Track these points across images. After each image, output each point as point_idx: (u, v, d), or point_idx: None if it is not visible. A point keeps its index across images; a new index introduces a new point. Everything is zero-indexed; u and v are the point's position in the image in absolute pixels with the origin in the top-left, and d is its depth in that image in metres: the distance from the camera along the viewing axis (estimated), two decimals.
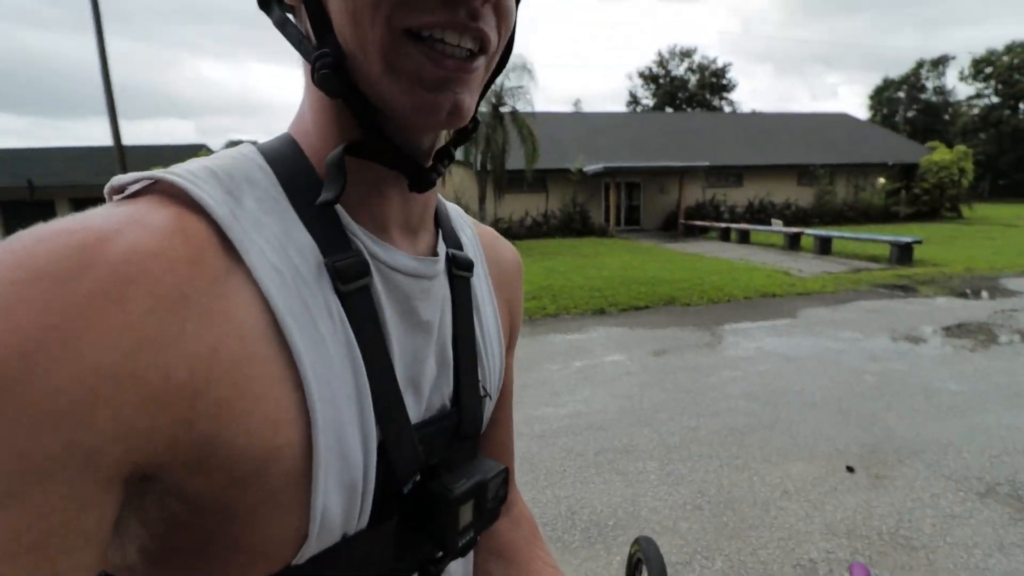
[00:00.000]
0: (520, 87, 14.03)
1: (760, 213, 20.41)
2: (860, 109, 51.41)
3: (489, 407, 0.52)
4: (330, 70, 0.34)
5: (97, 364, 0.25)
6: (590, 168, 18.51)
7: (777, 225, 15.18)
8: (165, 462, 0.28)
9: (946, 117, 45.00)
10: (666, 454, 3.09)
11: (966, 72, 44.05)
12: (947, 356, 4.80)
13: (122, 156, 12.01)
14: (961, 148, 21.60)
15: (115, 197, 0.34)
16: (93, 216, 0.29)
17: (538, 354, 5.09)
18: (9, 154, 22.61)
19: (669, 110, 39.43)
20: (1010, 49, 41.60)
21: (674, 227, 19.50)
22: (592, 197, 20.02)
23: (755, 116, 31.31)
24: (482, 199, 14.97)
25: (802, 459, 3.00)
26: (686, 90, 43.46)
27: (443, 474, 0.42)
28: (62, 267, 0.25)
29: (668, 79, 43.59)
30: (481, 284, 0.52)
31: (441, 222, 0.49)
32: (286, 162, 0.38)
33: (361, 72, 0.35)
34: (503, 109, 14.28)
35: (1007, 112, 40.49)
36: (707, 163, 19.35)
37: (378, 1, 0.32)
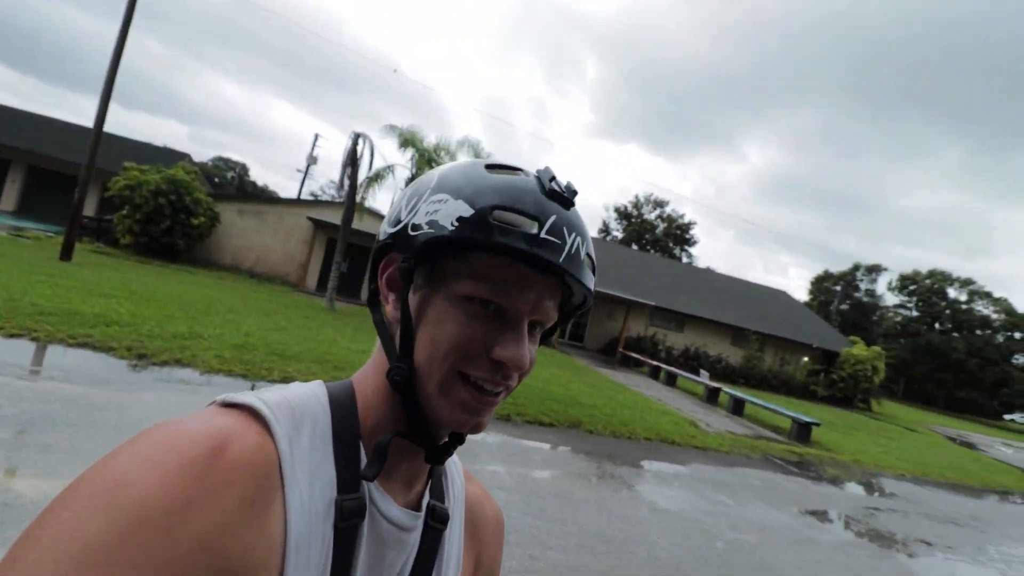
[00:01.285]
0: None
1: (694, 360, 21.45)
2: (801, 291, 56.65)
3: None
4: (403, 377, 0.48)
5: (206, 535, 0.35)
6: None
7: (704, 376, 15.94)
8: None
9: (874, 318, 49.89)
10: None
11: (893, 284, 49.90)
12: (800, 539, 5.01)
13: (98, 138, 11.90)
14: (876, 349, 23.81)
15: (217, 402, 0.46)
16: (213, 423, 0.40)
17: None
18: None
19: (635, 247, 42.42)
20: (932, 274, 47.72)
21: (614, 353, 20.16)
22: None
23: (707, 272, 33.94)
24: None
25: None
26: (653, 234, 47.31)
27: None
28: (201, 462, 0.37)
29: (639, 220, 47.49)
30: (453, 537, 0.58)
31: (433, 472, 0.57)
32: (342, 407, 0.49)
33: (422, 386, 0.48)
34: None
35: (924, 327, 45.36)
36: (652, 303, 20.55)
37: (448, 354, 0.46)
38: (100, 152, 12.20)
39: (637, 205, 48.23)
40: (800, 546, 4.78)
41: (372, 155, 13.86)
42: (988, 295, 45.47)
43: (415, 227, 0.48)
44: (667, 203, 48.48)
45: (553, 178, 0.49)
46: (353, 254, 17.91)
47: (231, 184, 54.11)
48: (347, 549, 0.45)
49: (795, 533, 5.18)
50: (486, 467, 4.88)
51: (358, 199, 13.86)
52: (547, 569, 3.29)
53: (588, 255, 0.50)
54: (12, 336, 5.36)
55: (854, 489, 7.74)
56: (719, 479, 6.44)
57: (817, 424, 10.86)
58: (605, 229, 48.76)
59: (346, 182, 13.47)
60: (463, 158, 15.09)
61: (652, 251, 43.10)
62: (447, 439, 0.53)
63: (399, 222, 0.50)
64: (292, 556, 0.41)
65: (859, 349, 23.61)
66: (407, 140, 14.14)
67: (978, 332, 44.19)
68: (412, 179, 14.05)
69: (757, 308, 26.26)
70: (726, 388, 13.52)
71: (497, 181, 0.48)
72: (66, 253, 11.28)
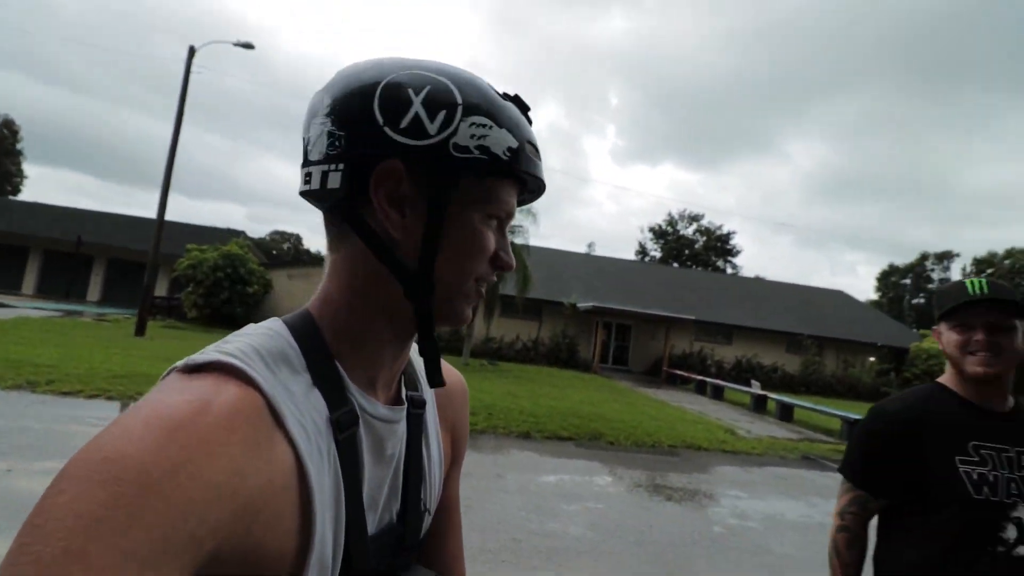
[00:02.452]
0: (520, 226, 15.63)
1: (747, 371, 20.70)
2: (871, 289, 53.29)
3: (427, 521, 0.62)
4: (423, 288, 0.50)
5: (216, 482, 0.37)
6: (582, 304, 19.55)
7: (755, 387, 15.44)
8: (224, 556, 0.38)
9: None
10: (478, 554, 3.38)
11: (968, 270, 46.06)
12: (804, 525, 4.94)
13: (160, 227, 13.63)
14: None
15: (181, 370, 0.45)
16: (189, 388, 0.41)
17: None
18: (68, 212, 25.33)
19: (675, 265, 41.77)
20: (1010, 253, 43.77)
21: (659, 373, 19.85)
22: (583, 332, 20.80)
23: (755, 281, 32.90)
24: (473, 316, 15.89)
25: None
26: (693, 249, 46.40)
27: None
28: (188, 420, 0.38)
29: (676, 237, 46.80)
30: (429, 415, 0.64)
31: (407, 367, 0.62)
32: (308, 339, 0.50)
33: (441, 292, 0.51)
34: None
35: None
36: (693, 317, 20.21)
37: (475, 263, 0.52)
38: (165, 239, 13.93)
39: (671, 222, 47.74)
40: (801, 531, 4.75)
41: None
42: None
43: (460, 148, 0.47)
44: (702, 216, 47.82)
45: (528, 108, 0.55)
46: None
47: (288, 254, 58.25)
48: (352, 455, 0.50)
49: (800, 519, 5.12)
50: (489, 471, 5.21)
51: None
52: (529, 549, 3.58)
53: None
54: (91, 396, 6.34)
55: None
56: (739, 479, 6.42)
57: None
58: (643, 250, 48.36)
59: None
60: None
61: (693, 266, 42.27)
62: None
63: (424, 134, 0.47)
64: (313, 476, 0.44)
65: (930, 342, 21.98)
66: None
67: None
68: None
69: (812, 312, 25.13)
70: (772, 395, 13.09)
71: (517, 115, 0.53)
72: (140, 330, 12.79)
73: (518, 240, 15.64)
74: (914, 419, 1.31)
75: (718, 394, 15.29)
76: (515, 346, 19.96)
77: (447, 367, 0.69)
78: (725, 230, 47.24)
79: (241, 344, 0.46)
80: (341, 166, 0.48)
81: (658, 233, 48.09)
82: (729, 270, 45.72)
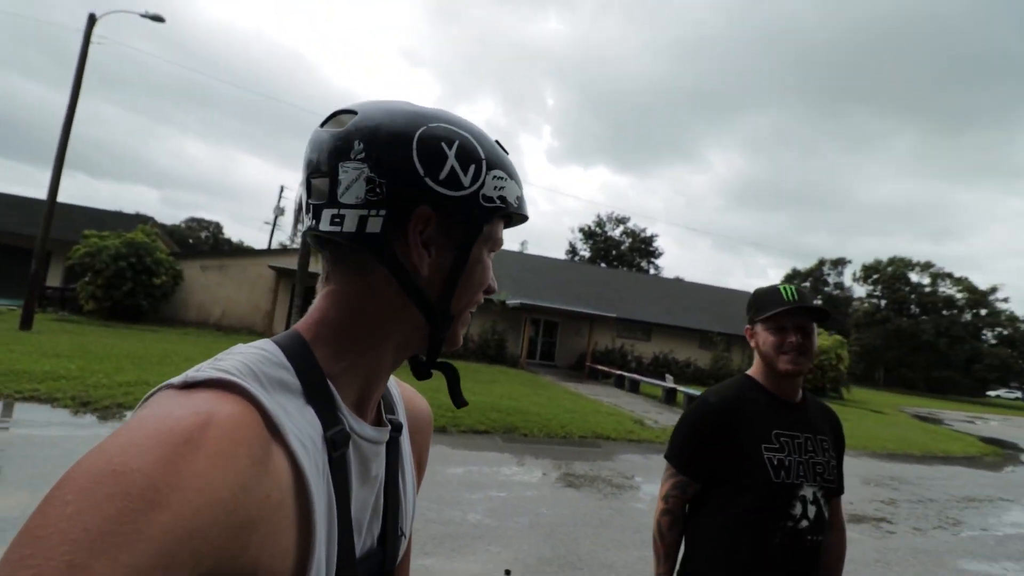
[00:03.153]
0: None
1: (663, 366, 22.01)
2: None
3: (403, 545, 0.64)
4: (441, 316, 0.55)
5: (221, 498, 0.37)
6: (511, 301, 19.93)
7: (669, 380, 16.49)
8: (220, 574, 0.38)
9: (849, 311, 51.21)
10: None
11: (857, 275, 51.45)
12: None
13: (51, 209, 12.38)
14: (837, 338, 24.62)
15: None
16: (191, 402, 0.41)
17: None
18: None
19: (603, 265, 43.52)
20: (892, 261, 49.33)
21: (583, 368, 20.66)
22: (512, 329, 21.19)
23: (674, 282, 34.91)
24: None
25: (479, 561, 3.51)
26: (619, 250, 48.74)
27: None
28: (196, 434, 0.38)
29: (604, 238, 48.86)
30: (405, 440, 0.66)
31: (391, 393, 0.66)
32: (300, 356, 0.51)
33: (453, 319, 0.57)
34: None
35: (892, 314, 46.71)
36: (615, 315, 21.20)
37: (476, 293, 0.58)
38: (62, 223, 12.72)
39: (600, 224, 49.73)
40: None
41: None
42: (949, 276, 47.20)
43: (487, 199, 0.55)
44: (629, 219, 50.23)
45: (504, 148, 0.61)
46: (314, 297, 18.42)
47: (206, 243, 54.46)
48: (343, 475, 0.51)
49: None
50: None
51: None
52: (426, 537, 3.77)
53: None
54: None
55: None
56: (638, 463, 6.97)
57: None
58: (573, 250, 50.03)
59: (299, 228, 14.05)
60: None
61: (619, 267, 44.22)
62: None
63: (460, 186, 0.53)
64: (314, 491, 0.45)
65: (821, 339, 24.39)
66: None
67: (944, 313, 45.67)
68: None
69: (723, 310, 27.07)
70: (680, 387, 14.08)
71: (512, 164, 0.59)
72: (25, 323, 11.61)
73: None
74: (730, 410, 1.43)
75: (635, 387, 16.20)
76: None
77: (416, 394, 0.74)
78: (649, 233, 49.85)
79: (235, 362, 0.46)
80: (383, 212, 0.52)
81: (587, 234, 49.92)
82: (652, 271, 48.23)
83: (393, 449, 0.62)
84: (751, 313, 1.51)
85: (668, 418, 11.16)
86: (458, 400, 0.60)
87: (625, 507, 5.09)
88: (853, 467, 8.56)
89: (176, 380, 0.44)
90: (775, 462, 1.35)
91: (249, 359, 0.47)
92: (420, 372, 0.59)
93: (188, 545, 0.34)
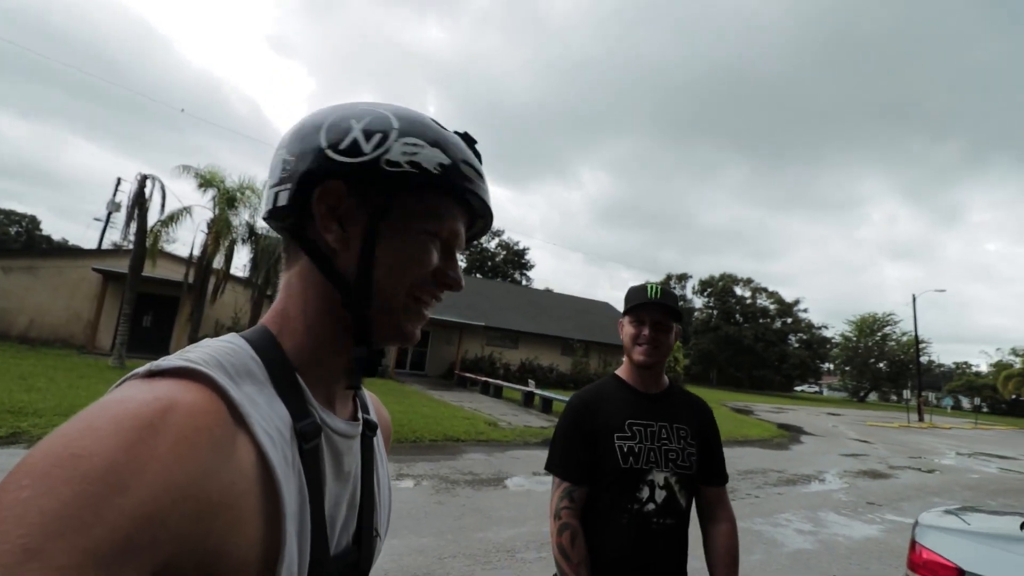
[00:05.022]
0: None
1: (528, 372, 23.33)
2: None
3: (379, 546, 0.63)
4: (358, 300, 0.52)
5: (181, 483, 0.36)
6: None
7: (531, 385, 17.59)
8: (180, 561, 0.37)
9: (690, 320, 58.39)
10: None
11: (695, 288, 59.11)
12: (511, 491, 6.22)
13: None
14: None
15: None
16: (155, 389, 0.40)
17: None
18: None
19: (478, 275, 44.80)
20: (722, 277, 57.46)
21: (452, 376, 21.12)
22: None
23: (543, 293, 37.07)
24: (254, 320, 14.84)
25: None
26: (494, 261, 50.61)
27: None
28: (158, 418, 0.37)
29: (479, 249, 50.33)
30: (380, 440, 0.66)
31: (357, 393, 0.65)
32: (268, 352, 0.51)
33: (380, 307, 0.53)
34: None
35: (722, 322, 54.32)
36: (484, 323, 22.07)
37: (413, 280, 0.54)
38: None
39: None
40: (503, 497, 5.97)
41: (164, 197, 13.23)
42: (764, 290, 56.56)
43: (392, 163, 0.51)
44: (503, 232, 52.41)
45: (475, 142, 0.59)
46: (152, 305, 16.59)
47: (16, 240, 45.19)
48: (315, 466, 0.50)
49: (508, 490, 6.40)
50: None
51: (149, 244, 13.07)
52: None
53: None
54: None
55: None
56: (480, 460, 7.56)
57: None
58: None
59: (133, 227, 12.64)
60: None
61: (494, 277, 45.91)
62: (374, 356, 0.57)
63: (359, 153, 0.51)
64: (282, 481, 0.44)
65: None
66: (207, 180, 13.81)
67: (760, 321, 54.34)
68: (214, 219, 13.81)
69: (584, 320, 29.46)
70: (537, 391, 15.18)
71: (453, 138, 0.56)
72: None
73: None
74: (589, 406, 1.48)
75: (498, 393, 17.06)
76: None
77: (381, 404, 0.73)
78: (522, 246, 52.36)
79: (202, 354, 0.46)
80: (289, 185, 0.52)
81: None
82: (524, 282, 50.71)
83: (368, 448, 0.62)
84: (624, 307, 1.57)
85: (522, 419, 12.03)
86: (352, 382, 0.58)
87: (452, 498, 5.59)
88: None
89: (141, 370, 0.43)
90: (624, 449, 1.40)
91: (216, 351, 0.47)
92: (358, 365, 0.54)
93: (147, 530, 0.34)
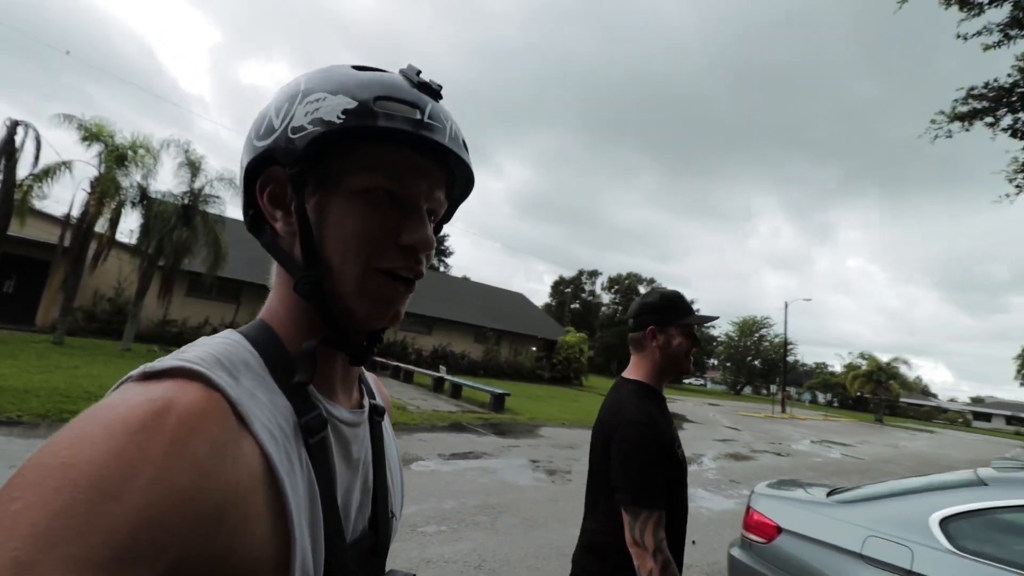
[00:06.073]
0: (218, 197, 14.18)
1: (441, 358, 23.50)
2: (547, 295, 66.86)
3: (395, 527, 0.63)
4: (312, 284, 0.49)
5: (179, 485, 0.35)
6: None
7: (442, 371, 17.78)
8: (189, 564, 0.36)
9: (599, 314, 61.51)
10: None
11: (604, 284, 62.48)
12: (414, 472, 6.51)
13: None
14: (581, 335, 29.72)
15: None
16: (148, 391, 0.39)
17: None
18: None
19: None
20: (629, 276, 61.22)
21: None
22: None
23: (460, 281, 37.24)
24: (141, 293, 13.57)
25: None
26: None
27: None
28: (152, 422, 0.36)
29: None
30: (387, 424, 0.66)
31: (362, 378, 0.64)
32: (266, 345, 0.49)
33: (337, 289, 0.49)
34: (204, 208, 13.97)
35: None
36: None
37: (360, 250, 0.49)
38: None
39: None
40: (420, 476, 6.24)
41: (39, 148, 11.69)
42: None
43: (296, 130, 0.48)
44: None
45: (419, 72, 0.52)
46: (16, 268, 14.60)
47: None
48: (324, 459, 0.49)
49: (421, 467, 6.68)
50: None
51: (17, 200, 11.51)
52: None
53: (464, 142, 0.53)
54: None
55: (513, 435, 9.98)
56: None
57: (508, 394, 13.40)
58: None
59: None
60: (167, 158, 13.30)
61: None
62: (367, 341, 0.55)
63: (272, 131, 0.49)
64: (285, 479, 0.43)
65: (571, 337, 29.17)
66: (92, 134, 12.36)
67: None
68: (99, 178, 12.38)
69: (497, 308, 30.08)
70: (447, 376, 15.44)
71: (370, 76, 0.50)
72: None
73: (212, 210, 14.17)
74: (657, 420, 1.38)
75: (409, 378, 17.08)
76: (203, 331, 17.81)
77: (381, 386, 0.72)
78: (441, 233, 52.05)
79: (199, 352, 0.44)
80: (241, 185, 0.53)
81: None
82: (443, 269, 50.58)
83: (377, 432, 0.62)
84: (663, 315, 1.48)
85: (431, 403, 12.24)
86: (355, 359, 0.55)
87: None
88: (579, 436, 10.87)
89: (135, 372, 0.42)
90: (679, 456, 1.40)
91: (214, 348, 0.46)
92: (353, 357, 0.54)
93: (147, 535, 0.33)
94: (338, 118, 0.47)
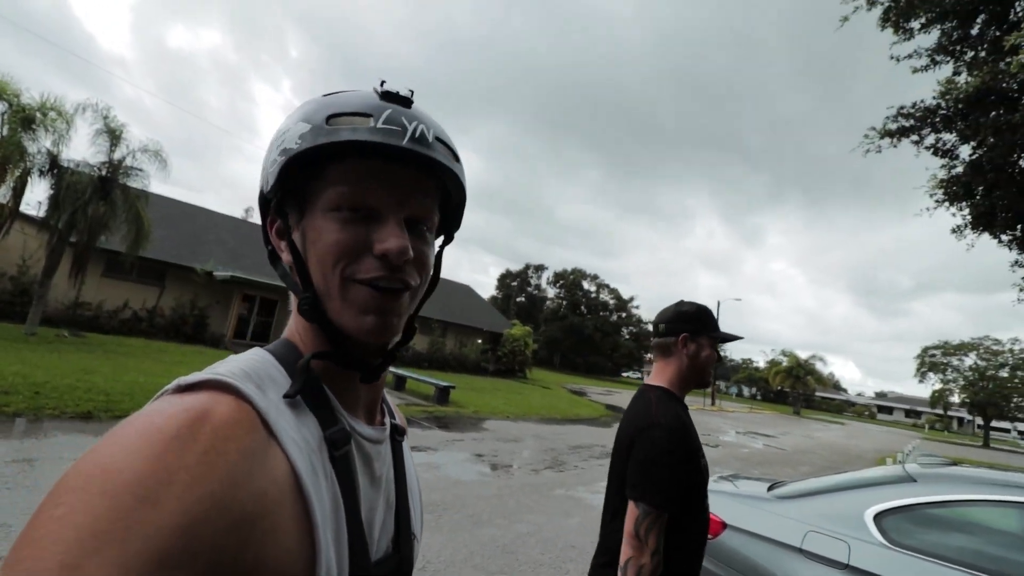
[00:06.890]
0: (141, 170, 13.02)
1: None
2: (493, 287, 66.84)
3: (417, 548, 0.63)
4: (309, 306, 0.51)
5: (213, 492, 0.36)
6: (220, 273, 17.70)
7: None
8: (222, 572, 0.36)
9: (544, 308, 62.28)
10: None
11: (550, 279, 63.28)
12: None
13: None
14: (526, 328, 29.96)
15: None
16: (184, 402, 0.41)
17: None
18: None
19: None
20: (573, 271, 62.34)
21: None
22: (219, 304, 18.82)
23: None
24: (49, 271, 12.26)
25: None
26: None
27: None
28: (187, 430, 0.37)
29: None
30: (407, 444, 0.67)
31: (384, 399, 0.66)
32: (291, 362, 0.52)
33: (329, 307, 0.51)
34: (123, 181, 12.75)
35: (570, 312, 59.05)
36: None
37: (335, 264, 0.50)
38: None
39: None
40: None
41: None
42: (607, 286, 62.85)
43: (271, 163, 0.52)
44: None
45: (384, 82, 0.53)
46: None
47: None
48: (348, 472, 0.50)
49: None
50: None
51: None
52: None
53: (440, 140, 0.52)
54: None
55: (457, 429, 9.89)
56: None
57: (453, 387, 13.28)
58: None
59: None
60: (82, 124, 12.10)
61: None
62: (382, 359, 0.56)
63: (266, 178, 0.53)
64: (310, 489, 0.44)
65: (516, 330, 29.33)
66: None
67: (601, 313, 60.20)
68: (1, 141, 10.99)
69: (443, 300, 29.69)
70: (392, 369, 15.04)
71: (332, 98, 0.52)
72: None
73: (134, 184, 13.00)
74: (688, 427, 1.40)
75: None
76: (121, 315, 16.40)
77: (396, 408, 0.72)
78: None
79: (230, 367, 0.47)
80: (262, 224, 0.58)
81: None
82: None
83: (398, 452, 0.64)
84: (698, 324, 1.51)
85: None
86: (365, 377, 0.55)
87: None
88: (523, 429, 10.90)
89: (170, 386, 0.44)
90: (702, 464, 1.41)
91: (244, 364, 0.48)
92: (364, 375, 0.55)
93: (181, 541, 0.34)
94: (295, 143, 0.50)
